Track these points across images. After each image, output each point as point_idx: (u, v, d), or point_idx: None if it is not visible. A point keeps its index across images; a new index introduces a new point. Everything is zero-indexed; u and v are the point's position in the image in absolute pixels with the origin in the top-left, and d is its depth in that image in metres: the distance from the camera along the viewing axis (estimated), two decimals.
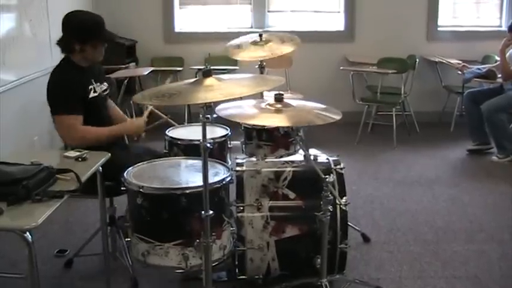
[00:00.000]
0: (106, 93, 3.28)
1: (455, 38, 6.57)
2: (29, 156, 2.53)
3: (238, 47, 3.61)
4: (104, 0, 6.03)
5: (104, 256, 2.96)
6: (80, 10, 3.18)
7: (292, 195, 2.89)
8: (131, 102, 3.35)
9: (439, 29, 6.63)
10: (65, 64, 3.12)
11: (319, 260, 2.70)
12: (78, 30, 3.07)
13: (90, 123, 3.05)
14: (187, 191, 2.42)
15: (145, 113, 3.30)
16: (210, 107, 2.17)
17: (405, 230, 3.79)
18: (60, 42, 3.11)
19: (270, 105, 2.53)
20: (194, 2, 6.61)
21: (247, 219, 2.85)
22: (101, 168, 2.66)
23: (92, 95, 3.11)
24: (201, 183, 2.25)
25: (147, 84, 6.17)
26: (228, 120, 2.49)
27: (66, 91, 3.03)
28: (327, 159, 3.05)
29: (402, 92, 5.91)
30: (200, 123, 2.20)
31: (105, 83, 3.28)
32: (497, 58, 5.58)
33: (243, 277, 2.90)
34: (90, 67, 3.17)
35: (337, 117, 2.49)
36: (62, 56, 3.12)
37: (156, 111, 3.41)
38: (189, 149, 3.10)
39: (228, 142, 3.35)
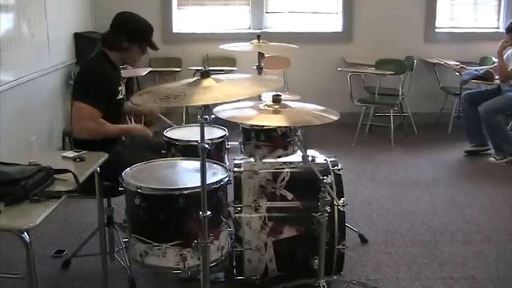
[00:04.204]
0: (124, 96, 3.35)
1: (453, 40, 6.58)
2: (27, 156, 2.53)
3: None
4: (101, 0, 6.05)
5: (102, 256, 2.96)
6: (131, 12, 3.28)
7: (290, 196, 2.89)
8: (129, 103, 3.37)
9: (436, 30, 6.64)
10: (101, 58, 3.17)
11: (316, 261, 2.70)
12: (131, 28, 3.18)
13: (115, 122, 3.14)
14: (185, 192, 2.42)
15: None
16: (208, 107, 2.17)
17: (403, 231, 3.80)
18: (106, 37, 3.17)
19: (268, 106, 2.53)
20: (192, 2, 6.61)
21: (245, 219, 2.85)
22: (98, 168, 2.66)
23: (119, 96, 3.21)
24: (199, 183, 2.25)
25: (145, 84, 6.18)
26: (226, 121, 2.49)
27: (99, 83, 3.10)
28: (325, 160, 3.06)
29: (400, 93, 5.92)
30: (198, 124, 2.20)
31: (122, 86, 3.33)
32: (495, 59, 5.60)
33: (241, 278, 2.90)
34: (119, 68, 3.28)
35: (335, 117, 2.49)
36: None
37: (162, 117, 3.43)
38: (187, 150, 3.10)
39: (226, 143, 3.35)
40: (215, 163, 2.73)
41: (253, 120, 2.59)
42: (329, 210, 2.66)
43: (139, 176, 2.58)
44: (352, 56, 6.45)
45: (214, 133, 3.32)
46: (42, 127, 4.93)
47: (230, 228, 2.72)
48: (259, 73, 3.90)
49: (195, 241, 2.32)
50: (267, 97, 2.68)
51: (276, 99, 2.53)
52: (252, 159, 3.31)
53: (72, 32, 5.63)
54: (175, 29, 6.54)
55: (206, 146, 2.19)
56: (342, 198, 2.88)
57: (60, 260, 3.33)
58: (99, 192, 2.79)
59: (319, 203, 2.63)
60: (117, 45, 3.14)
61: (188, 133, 3.30)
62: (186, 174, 2.70)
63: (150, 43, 3.25)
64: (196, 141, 2.24)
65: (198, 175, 2.25)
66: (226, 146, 3.36)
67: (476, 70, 5.65)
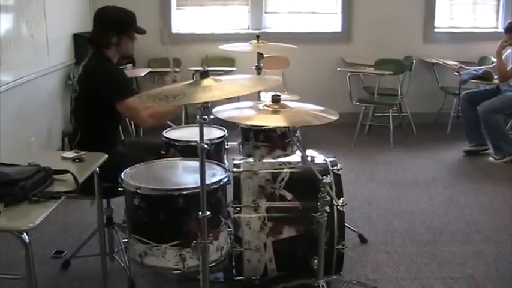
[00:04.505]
0: None
1: (452, 40, 6.58)
2: (26, 157, 2.53)
3: None
4: (101, 1, 6.04)
5: (101, 257, 2.96)
6: (110, 5, 3.23)
7: (289, 196, 2.89)
8: None
9: (435, 30, 6.64)
10: (100, 56, 3.13)
11: (316, 261, 2.70)
12: (115, 21, 3.14)
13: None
14: (185, 192, 2.42)
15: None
16: (207, 107, 2.17)
17: (402, 231, 3.80)
18: (94, 37, 3.15)
19: (267, 106, 2.53)
20: (191, 3, 6.61)
21: (244, 220, 2.85)
22: (98, 169, 2.66)
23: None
24: (198, 184, 2.25)
25: (144, 85, 6.18)
26: (225, 121, 2.49)
27: (122, 76, 3.12)
28: (324, 160, 3.05)
29: (399, 93, 5.92)
30: (197, 124, 2.20)
31: None
32: (494, 59, 5.60)
33: (240, 278, 2.90)
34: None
35: (334, 118, 2.49)
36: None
37: None
38: (186, 150, 3.10)
39: (225, 143, 3.35)
40: (214, 163, 2.73)
41: (253, 121, 2.59)
42: (328, 210, 2.66)
43: (139, 176, 2.59)
44: (351, 56, 6.45)
45: (214, 133, 3.33)
46: (41, 128, 4.93)
47: (229, 228, 2.73)
48: (259, 73, 3.89)
49: (195, 241, 2.32)
50: (266, 97, 2.68)
51: (275, 100, 2.53)
52: (251, 160, 3.31)
53: (71, 32, 5.62)
54: (174, 30, 6.54)
55: (205, 146, 2.20)
56: (341, 198, 2.88)
57: (60, 261, 3.32)
58: (99, 193, 2.79)
59: (319, 203, 2.63)
60: (107, 43, 3.11)
61: (187, 133, 3.30)
62: (186, 174, 2.71)
63: (137, 29, 3.21)
64: (196, 141, 2.23)
65: (198, 175, 2.25)
66: (226, 147, 3.36)
67: (475, 70, 5.65)
